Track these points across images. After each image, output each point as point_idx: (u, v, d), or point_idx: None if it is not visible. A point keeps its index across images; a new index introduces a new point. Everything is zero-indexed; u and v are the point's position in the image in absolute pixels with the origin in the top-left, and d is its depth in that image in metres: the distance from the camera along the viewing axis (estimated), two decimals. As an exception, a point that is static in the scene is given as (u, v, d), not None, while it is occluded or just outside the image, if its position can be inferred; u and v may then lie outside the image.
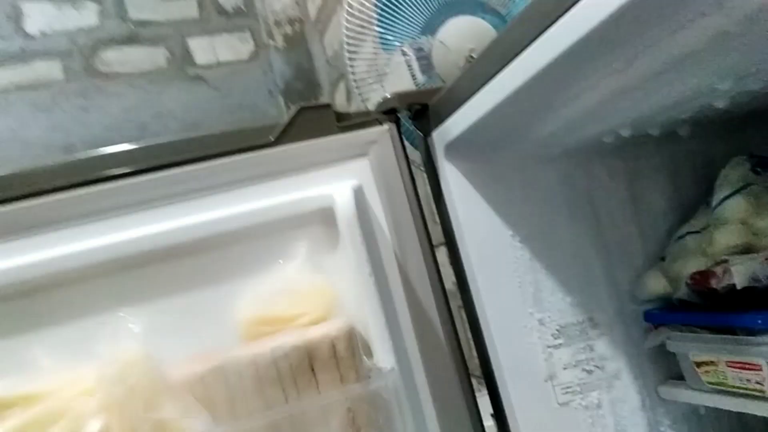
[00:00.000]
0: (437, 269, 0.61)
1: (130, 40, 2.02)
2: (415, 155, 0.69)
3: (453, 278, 0.63)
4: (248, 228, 0.59)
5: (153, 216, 0.57)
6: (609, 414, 0.59)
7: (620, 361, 0.60)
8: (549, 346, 0.58)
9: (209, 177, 0.58)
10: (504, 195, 0.61)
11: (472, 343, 0.61)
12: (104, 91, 1.94)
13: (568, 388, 0.58)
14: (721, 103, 0.51)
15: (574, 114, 0.51)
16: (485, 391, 0.60)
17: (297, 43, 2.26)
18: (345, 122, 0.64)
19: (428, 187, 0.65)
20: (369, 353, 0.53)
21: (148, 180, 0.56)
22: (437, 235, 0.64)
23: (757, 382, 0.48)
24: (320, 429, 0.48)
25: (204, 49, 2.24)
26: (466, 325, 0.62)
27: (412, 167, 0.65)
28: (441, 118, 0.60)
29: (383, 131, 0.63)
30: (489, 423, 0.60)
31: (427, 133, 0.64)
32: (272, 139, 0.61)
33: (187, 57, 2.14)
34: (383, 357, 0.52)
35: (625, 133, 0.56)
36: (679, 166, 0.65)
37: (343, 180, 0.60)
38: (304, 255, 0.58)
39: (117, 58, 2.01)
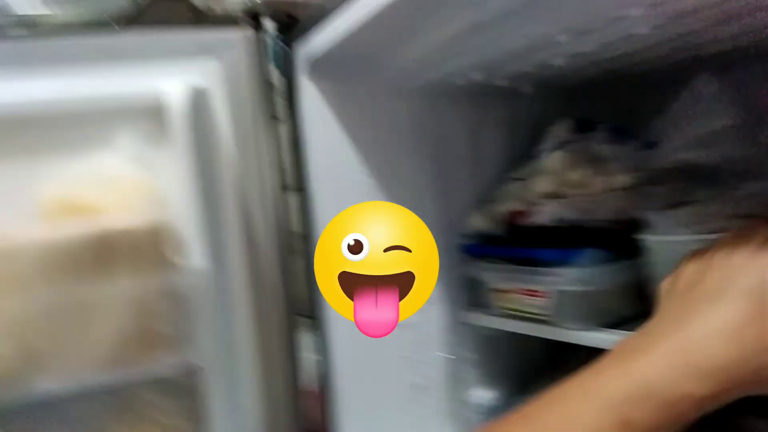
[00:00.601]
0: (282, 187, 0.60)
1: None
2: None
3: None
4: (66, 112, 0.53)
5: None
6: (420, 334, 0.64)
7: (437, 288, 0.65)
8: (376, 268, 0.61)
9: (46, 52, 0.53)
10: (358, 121, 0.62)
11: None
12: None
13: (387, 308, 0.61)
14: (559, 61, 0.56)
15: (434, 44, 0.52)
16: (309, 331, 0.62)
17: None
18: (200, 17, 0.59)
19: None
20: (183, 256, 0.51)
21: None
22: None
23: (542, 307, 0.56)
24: (108, 316, 0.46)
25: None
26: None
27: (269, 84, 0.63)
28: (308, 33, 0.58)
29: (242, 36, 0.59)
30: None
31: (291, 48, 0.61)
32: (117, 25, 0.56)
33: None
34: (196, 259, 0.51)
35: (476, 76, 0.59)
36: (517, 122, 0.71)
37: (185, 76, 0.56)
38: (127, 147, 0.54)
39: None
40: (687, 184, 0.60)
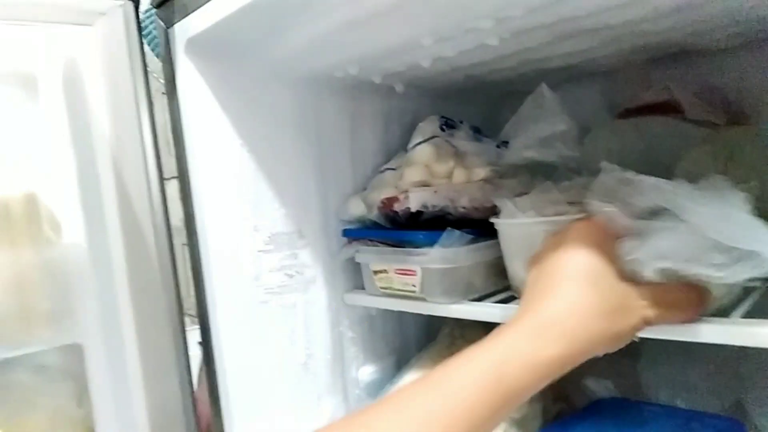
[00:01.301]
0: (159, 165, 0.59)
1: None
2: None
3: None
4: None
5: None
6: (301, 313, 0.67)
7: (318, 269, 0.69)
8: (259, 251, 0.63)
9: None
10: (240, 104, 0.63)
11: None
12: None
13: (270, 288, 0.64)
14: (425, 63, 0.62)
15: (311, 36, 0.55)
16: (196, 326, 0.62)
17: None
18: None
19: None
20: (57, 230, 0.48)
21: None
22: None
23: (413, 285, 0.62)
24: None
25: None
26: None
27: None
28: (186, 11, 0.57)
29: (115, 5, 0.57)
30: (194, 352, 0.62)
31: (169, 25, 0.61)
32: None
33: None
34: (72, 233, 0.49)
35: (353, 71, 0.64)
36: (392, 117, 0.77)
37: (57, 44, 0.53)
38: None
39: None
40: (531, 178, 0.71)
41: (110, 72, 0.58)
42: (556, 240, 0.44)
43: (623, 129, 0.75)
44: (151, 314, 0.55)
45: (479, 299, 0.61)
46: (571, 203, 0.57)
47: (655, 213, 0.42)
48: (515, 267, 0.58)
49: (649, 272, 0.40)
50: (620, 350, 0.41)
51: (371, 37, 0.55)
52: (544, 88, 0.68)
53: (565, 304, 0.39)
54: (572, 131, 0.68)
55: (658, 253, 0.40)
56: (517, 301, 0.58)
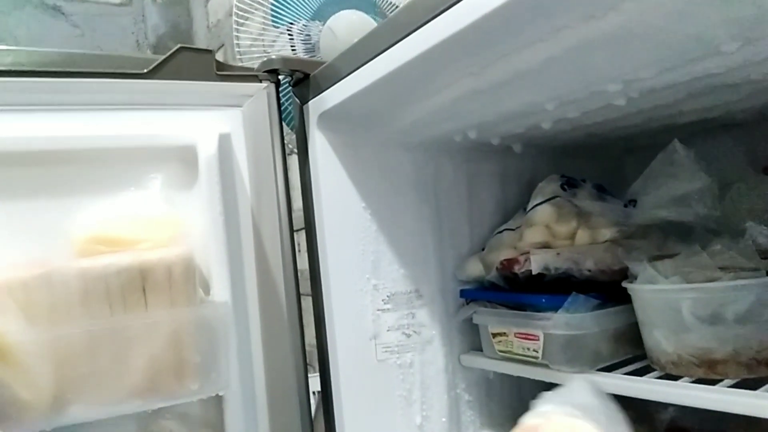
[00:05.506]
0: (291, 225, 0.64)
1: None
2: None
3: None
4: (103, 150, 0.57)
5: (8, 119, 0.54)
6: (417, 373, 0.67)
7: (435, 330, 0.68)
8: (378, 309, 0.65)
9: (76, 93, 0.57)
10: (363, 170, 0.67)
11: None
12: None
13: (387, 347, 0.65)
14: (546, 125, 0.62)
15: (433, 107, 0.58)
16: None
17: (178, 1, 2.15)
18: (225, 72, 0.65)
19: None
20: (206, 289, 0.54)
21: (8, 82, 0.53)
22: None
23: (534, 350, 0.60)
24: (143, 346, 0.49)
25: (70, -19, 2.03)
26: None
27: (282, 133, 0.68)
28: (319, 89, 0.63)
29: (261, 88, 0.65)
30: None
31: (304, 101, 0.67)
32: (145, 71, 0.61)
33: (48, -16, 1.92)
34: (219, 291, 0.54)
35: (472, 135, 0.65)
36: (509, 177, 0.77)
37: (213, 124, 0.62)
38: (158, 187, 0.58)
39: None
40: (665, 239, 0.66)
41: (254, 142, 0.65)
42: None
43: (770, 185, 0.68)
44: (280, 366, 0.58)
45: (608, 369, 0.57)
46: (723, 269, 0.52)
47: None
48: (655, 337, 0.53)
49: None
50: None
51: (492, 104, 0.56)
52: (676, 144, 0.64)
53: None
54: (711, 189, 0.63)
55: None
56: (654, 373, 0.53)
